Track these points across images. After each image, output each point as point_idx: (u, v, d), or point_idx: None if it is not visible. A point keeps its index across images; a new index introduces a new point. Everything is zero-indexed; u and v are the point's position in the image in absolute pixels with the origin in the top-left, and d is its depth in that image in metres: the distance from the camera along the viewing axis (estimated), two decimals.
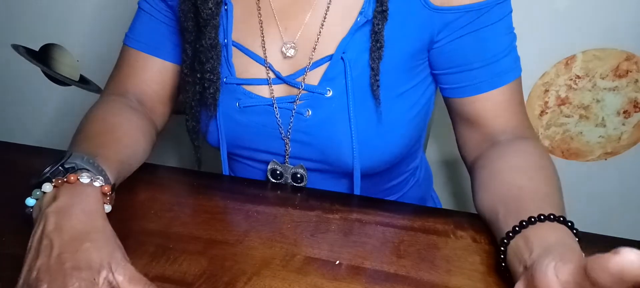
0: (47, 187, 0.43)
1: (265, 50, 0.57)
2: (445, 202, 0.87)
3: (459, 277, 0.44)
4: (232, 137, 0.60)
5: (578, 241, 0.41)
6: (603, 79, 0.93)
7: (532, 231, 0.41)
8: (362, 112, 0.55)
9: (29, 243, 0.41)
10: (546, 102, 0.97)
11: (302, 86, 0.55)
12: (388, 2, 0.51)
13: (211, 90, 0.57)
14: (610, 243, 0.49)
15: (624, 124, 0.98)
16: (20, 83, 1.23)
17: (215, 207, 0.53)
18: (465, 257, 0.47)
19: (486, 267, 0.45)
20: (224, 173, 0.64)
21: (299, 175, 0.59)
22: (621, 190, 1.06)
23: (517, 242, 0.41)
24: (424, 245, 0.48)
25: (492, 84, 0.54)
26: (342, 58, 0.54)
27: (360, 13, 0.53)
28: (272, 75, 0.57)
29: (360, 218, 0.51)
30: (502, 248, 0.42)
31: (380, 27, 0.52)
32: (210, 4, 0.54)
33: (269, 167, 0.60)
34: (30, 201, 0.44)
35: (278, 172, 0.60)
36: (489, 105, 0.55)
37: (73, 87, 1.21)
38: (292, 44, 0.56)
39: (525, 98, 0.95)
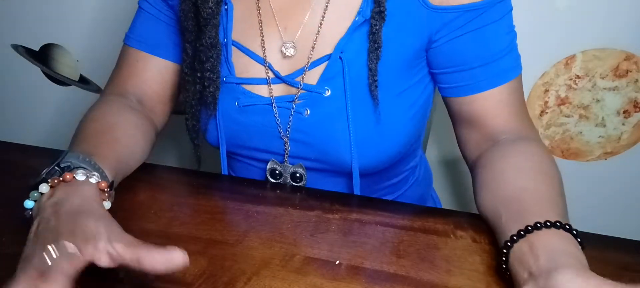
0: (44, 188, 0.43)
1: (264, 50, 0.57)
2: (445, 201, 0.87)
3: (459, 277, 0.44)
4: (231, 136, 0.60)
5: (582, 249, 0.40)
6: (603, 78, 0.93)
7: (536, 237, 0.40)
8: (361, 111, 0.55)
9: (28, 236, 0.40)
10: (546, 102, 0.97)
11: (300, 86, 0.55)
12: (386, 2, 0.51)
13: (211, 89, 0.57)
14: (609, 244, 0.49)
15: (623, 124, 0.98)
16: (20, 83, 1.23)
17: (215, 207, 0.53)
18: (465, 257, 0.46)
19: (486, 267, 0.45)
20: (223, 172, 0.64)
21: (298, 175, 0.59)
22: (621, 190, 1.06)
23: (521, 247, 0.41)
24: (424, 245, 0.48)
25: (491, 83, 0.54)
26: (340, 58, 0.54)
27: (359, 13, 0.53)
28: (271, 75, 0.57)
29: (360, 218, 0.51)
30: (505, 251, 0.42)
31: (378, 27, 0.52)
32: (210, 3, 0.54)
33: (268, 166, 0.60)
34: (28, 203, 0.44)
35: (277, 171, 0.60)
36: (488, 104, 0.55)
37: (73, 87, 1.21)
38: (292, 44, 0.56)
39: (525, 98, 0.95)
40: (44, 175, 0.44)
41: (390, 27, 0.53)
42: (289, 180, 0.60)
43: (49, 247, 0.36)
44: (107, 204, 0.46)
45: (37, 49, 1.17)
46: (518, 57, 0.56)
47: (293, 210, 0.53)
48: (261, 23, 0.57)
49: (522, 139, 0.55)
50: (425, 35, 0.54)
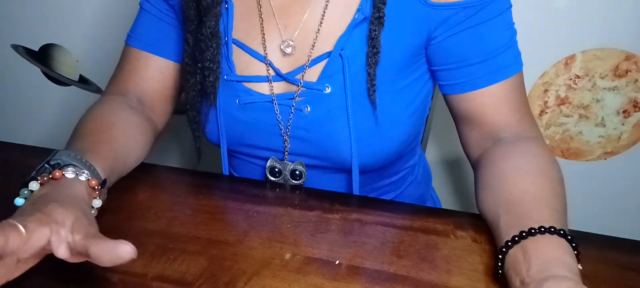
0: (34, 185, 0.43)
1: (265, 48, 0.57)
2: (445, 201, 0.87)
3: (459, 277, 0.44)
4: (232, 134, 0.60)
5: (577, 255, 0.40)
6: (603, 78, 0.93)
7: (531, 243, 0.40)
8: (361, 108, 0.55)
9: None
10: (546, 102, 0.97)
11: (301, 83, 0.56)
12: (384, 7, 0.52)
13: (211, 79, 0.57)
14: (609, 244, 0.49)
15: (623, 124, 0.98)
16: (20, 83, 1.23)
17: (215, 207, 0.53)
18: (465, 257, 0.47)
19: (486, 267, 0.45)
20: (223, 170, 0.64)
21: (297, 172, 0.59)
22: (621, 190, 1.06)
23: (515, 253, 0.41)
24: (424, 245, 0.48)
25: (490, 80, 0.54)
26: (340, 55, 0.54)
27: (358, 10, 0.54)
28: (272, 73, 0.57)
29: (360, 218, 0.51)
30: (500, 257, 0.42)
31: (376, 32, 0.52)
32: None
33: (268, 164, 0.60)
34: (18, 201, 0.43)
35: (276, 169, 0.60)
36: (488, 101, 0.55)
37: (73, 87, 1.21)
38: (291, 42, 0.56)
39: None
40: (34, 173, 0.44)
41: (389, 25, 0.53)
42: (288, 177, 0.60)
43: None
44: (98, 202, 0.46)
45: (37, 49, 1.17)
46: (518, 54, 0.56)
47: (293, 210, 0.53)
48: (262, 21, 0.57)
49: (523, 138, 0.54)
50: (424, 32, 0.54)
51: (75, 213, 0.39)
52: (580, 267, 0.39)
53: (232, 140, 0.61)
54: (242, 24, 0.58)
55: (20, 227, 0.35)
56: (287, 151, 0.59)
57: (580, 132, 1.01)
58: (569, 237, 0.41)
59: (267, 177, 0.61)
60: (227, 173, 0.65)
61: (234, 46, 0.58)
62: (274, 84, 0.57)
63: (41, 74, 1.21)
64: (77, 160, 0.46)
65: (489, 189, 0.50)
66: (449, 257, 0.46)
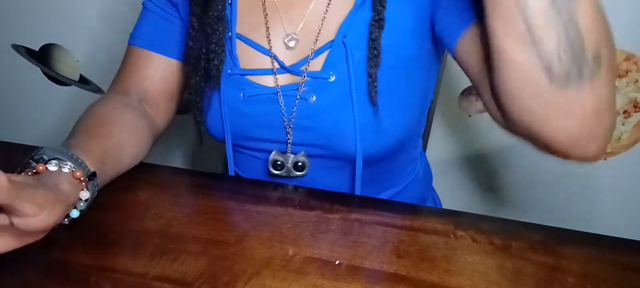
0: None
1: (269, 41, 0.58)
2: (445, 201, 0.87)
3: (459, 277, 0.44)
4: (236, 128, 0.61)
5: None
6: None
7: None
8: (365, 94, 0.55)
9: None
10: None
11: (304, 74, 0.56)
12: (384, 11, 0.52)
13: (216, 62, 0.58)
14: (610, 244, 0.49)
15: (623, 124, 0.99)
16: (21, 83, 1.23)
17: (215, 207, 0.53)
18: (465, 257, 0.47)
19: (486, 267, 0.45)
20: (229, 165, 0.65)
21: (300, 163, 0.60)
22: (621, 190, 1.06)
23: None
24: (424, 245, 0.48)
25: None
26: (343, 42, 0.55)
27: None
28: (276, 65, 0.58)
29: (360, 218, 0.51)
30: None
31: (377, 35, 0.53)
32: None
33: (271, 157, 0.61)
34: None
35: (279, 162, 0.60)
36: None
37: (73, 87, 1.21)
38: (294, 35, 0.57)
39: None
40: (19, 169, 0.44)
41: (392, 6, 0.53)
42: (291, 169, 0.60)
43: None
44: (85, 194, 0.46)
45: (37, 49, 1.17)
46: None
47: (293, 210, 0.53)
48: (266, 15, 0.58)
49: None
50: (427, 4, 0.54)
51: (21, 178, 0.39)
52: None
53: (236, 135, 0.61)
54: (245, 18, 0.59)
55: None
56: (290, 143, 0.59)
57: None
58: None
59: (269, 171, 0.61)
60: (232, 168, 0.65)
61: (237, 40, 0.59)
62: (278, 76, 0.58)
63: (41, 74, 1.21)
64: (62, 154, 0.46)
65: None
66: (449, 257, 0.46)
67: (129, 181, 0.55)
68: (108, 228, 0.49)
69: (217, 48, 0.57)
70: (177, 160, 1.30)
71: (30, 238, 0.40)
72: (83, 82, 1.20)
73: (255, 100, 0.59)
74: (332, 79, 0.56)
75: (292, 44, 0.57)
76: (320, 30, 0.57)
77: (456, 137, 1.10)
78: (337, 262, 0.45)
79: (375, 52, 0.53)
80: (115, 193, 0.54)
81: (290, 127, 0.58)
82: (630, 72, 0.92)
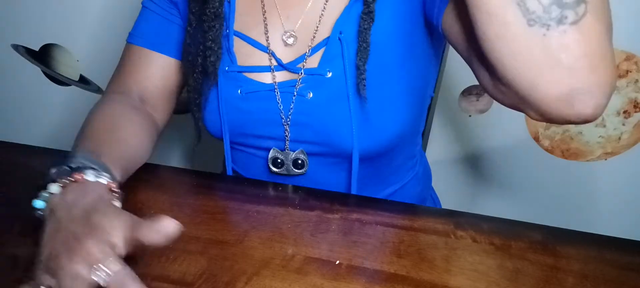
0: (54, 188, 0.43)
1: (267, 38, 0.58)
2: (445, 201, 0.87)
3: (459, 277, 0.44)
4: (233, 125, 0.61)
5: None
6: None
7: None
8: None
9: (43, 239, 0.40)
10: None
11: (301, 72, 0.57)
12: (374, 3, 0.52)
13: (212, 59, 0.58)
14: (609, 244, 0.49)
15: (623, 124, 0.99)
16: (21, 83, 1.23)
17: (215, 207, 0.53)
18: (465, 257, 0.47)
19: (486, 267, 0.45)
20: (226, 163, 0.65)
21: (299, 161, 0.60)
22: (621, 190, 1.06)
23: None
24: (424, 245, 0.48)
25: None
26: (339, 39, 0.55)
27: None
28: (274, 63, 0.58)
29: (360, 218, 0.51)
30: None
31: (366, 27, 0.53)
32: None
33: (270, 155, 0.61)
34: (38, 203, 0.43)
35: (279, 160, 0.60)
36: None
37: (73, 87, 1.21)
38: (293, 32, 0.58)
39: None
40: (53, 175, 0.44)
41: (384, 5, 0.53)
42: (291, 167, 0.60)
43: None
44: (117, 204, 0.45)
45: (37, 48, 1.17)
46: None
47: (293, 210, 0.53)
48: (265, 12, 0.58)
49: None
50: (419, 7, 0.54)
51: (119, 219, 0.39)
52: None
53: (234, 132, 0.62)
54: (243, 15, 0.60)
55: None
56: (288, 140, 0.60)
57: (581, 133, 1.01)
58: None
59: (269, 168, 0.61)
60: (230, 165, 0.65)
61: (235, 38, 0.59)
62: (276, 73, 0.58)
63: (42, 74, 1.21)
64: (96, 163, 0.46)
65: None
66: (449, 257, 0.46)
67: (129, 181, 0.55)
68: None
69: (213, 45, 0.57)
70: (175, 159, 1.30)
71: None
72: (83, 82, 1.20)
73: (252, 97, 0.59)
74: (329, 75, 0.56)
75: (290, 41, 0.58)
76: (317, 27, 0.57)
77: (456, 137, 1.10)
78: (337, 262, 0.45)
79: (364, 44, 0.53)
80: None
81: (288, 124, 0.59)
82: (630, 72, 0.92)
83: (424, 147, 1.06)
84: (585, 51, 0.38)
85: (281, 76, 0.58)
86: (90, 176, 0.44)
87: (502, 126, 1.04)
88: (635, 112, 0.97)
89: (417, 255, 0.46)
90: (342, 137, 0.57)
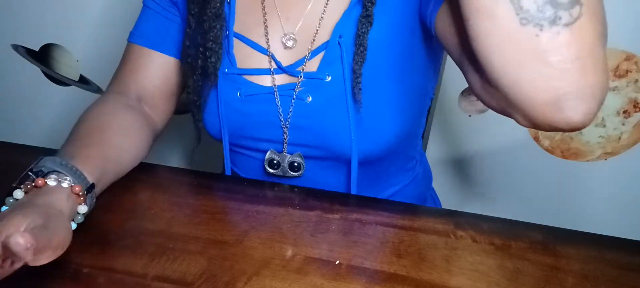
0: (18, 194, 0.44)
1: (267, 40, 0.58)
2: (445, 201, 0.87)
3: (459, 277, 0.44)
4: (233, 127, 0.61)
5: None
6: None
7: None
8: (361, 93, 0.55)
9: None
10: None
11: (301, 75, 0.56)
12: (373, 7, 0.52)
13: (213, 60, 0.58)
14: (610, 244, 0.49)
15: (623, 124, 0.99)
16: (21, 83, 1.23)
17: (215, 207, 0.53)
18: (465, 257, 0.47)
19: (486, 267, 0.45)
20: (226, 164, 0.65)
21: (296, 164, 0.60)
22: (621, 190, 1.06)
23: None
24: (424, 245, 0.48)
25: None
26: (338, 43, 0.55)
27: None
28: (273, 65, 0.58)
29: (360, 218, 0.51)
30: None
31: (364, 31, 0.53)
32: None
33: (267, 156, 0.61)
34: (3, 209, 0.44)
35: (275, 161, 0.60)
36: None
37: (73, 87, 1.21)
38: (292, 35, 0.57)
39: None
40: (17, 182, 0.44)
41: (381, 6, 0.53)
42: (286, 169, 0.61)
43: None
44: (83, 208, 0.46)
45: (37, 49, 1.17)
46: None
47: (293, 210, 0.53)
48: (265, 14, 0.58)
49: None
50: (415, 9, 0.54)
51: (32, 218, 0.39)
52: None
53: (233, 133, 0.62)
54: (243, 17, 0.59)
55: None
56: (286, 142, 0.60)
57: (580, 133, 1.01)
58: None
59: (265, 170, 0.61)
60: (229, 166, 0.65)
61: (235, 39, 0.59)
62: (275, 76, 0.58)
63: (41, 74, 1.21)
64: (62, 166, 0.46)
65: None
66: (449, 257, 0.46)
67: (129, 181, 0.55)
68: (108, 228, 0.49)
69: (214, 45, 0.57)
70: (175, 160, 1.30)
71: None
72: (83, 82, 1.20)
73: (252, 100, 0.59)
74: (328, 79, 0.56)
75: (290, 43, 0.58)
76: (317, 30, 0.57)
77: (456, 137, 1.10)
78: (337, 262, 0.45)
79: (361, 48, 0.53)
80: (115, 193, 0.54)
81: (287, 127, 0.58)
82: (630, 72, 0.92)
83: (424, 147, 1.06)
84: (578, 54, 0.36)
85: (281, 79, 0.58)
86: (51, 181, 0.45)
87: (502, 126, 1.04)
88: (635, 112, 0.97)
89: (417, 255, 0.46)
90: (340, 141, 0.57)
